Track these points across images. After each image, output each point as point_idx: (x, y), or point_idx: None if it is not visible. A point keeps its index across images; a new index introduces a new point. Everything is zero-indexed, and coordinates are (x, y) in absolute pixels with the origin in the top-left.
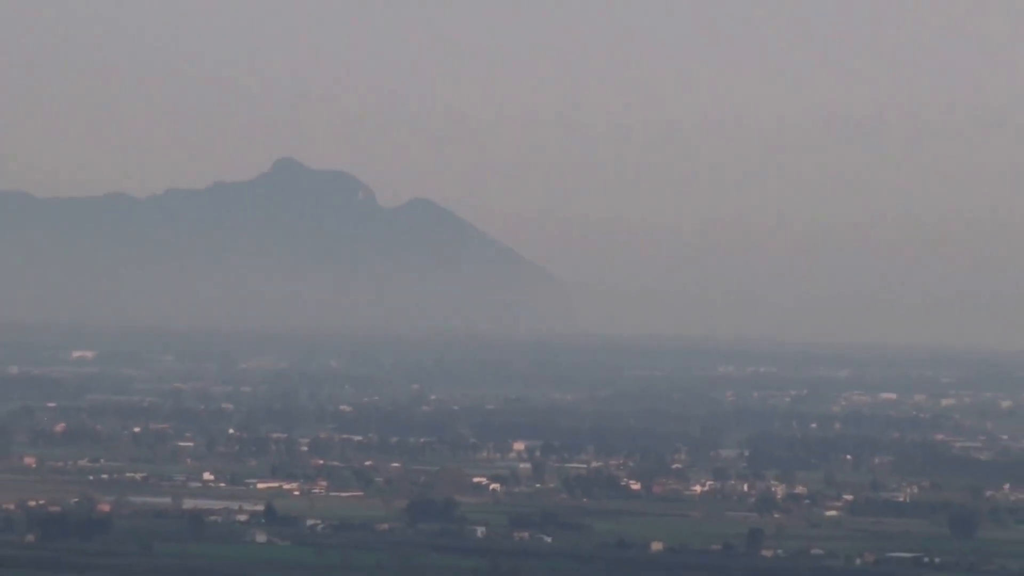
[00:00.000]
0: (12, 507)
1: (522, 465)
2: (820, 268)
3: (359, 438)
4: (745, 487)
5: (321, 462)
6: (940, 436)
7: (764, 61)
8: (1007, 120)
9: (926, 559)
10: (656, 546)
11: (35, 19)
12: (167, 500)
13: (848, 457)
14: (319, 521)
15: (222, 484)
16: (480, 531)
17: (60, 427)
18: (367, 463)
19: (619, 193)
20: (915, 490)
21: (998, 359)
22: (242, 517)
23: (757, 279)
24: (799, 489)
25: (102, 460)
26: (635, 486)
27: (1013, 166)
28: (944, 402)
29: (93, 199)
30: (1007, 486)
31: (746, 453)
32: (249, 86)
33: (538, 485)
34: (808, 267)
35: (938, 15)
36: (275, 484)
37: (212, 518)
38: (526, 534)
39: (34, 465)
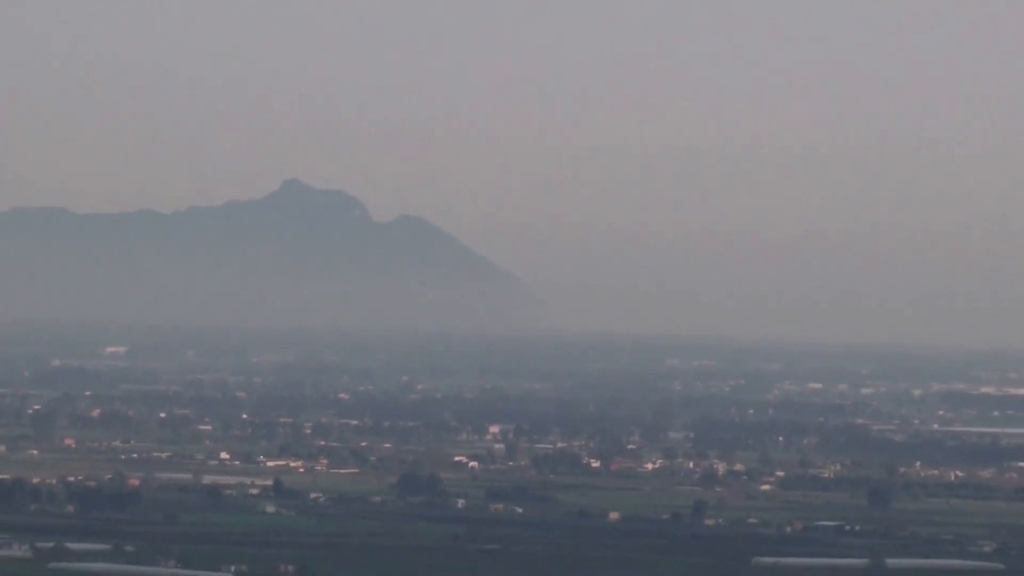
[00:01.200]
0: (54, 482)
1: (497, 446)
2: (755, 273)
3: (355, 422)
4: (690, 465)
5: (322, 443)
6: (860, 420)
7: (709, 81)
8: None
9: (847, 527)
10: (613, 515)
11: (72, 52)
12: (189, 476)
13: (780, 439)
14: (321, 494)
15: (236, 462)
16: (460, 503)
17: (96, 412)
18: (362, 444)
19: (582, 205)
20: (838, 467)
21: (910, 354)
22: (254, 491)
23: (701, 283)
24: (738, 466)
25: (132, 441)
26: (595, 464)
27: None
28: (863, 391)
29: (125, 214)
30: (918, 464)
31: (691, 435)
32: (259, 116)
33: (511, 463)
34: (745, 272)
35: (925, 33)
36: (282, 462)
37: (228, 492)
38: (500, 505)
39: (73, 445)
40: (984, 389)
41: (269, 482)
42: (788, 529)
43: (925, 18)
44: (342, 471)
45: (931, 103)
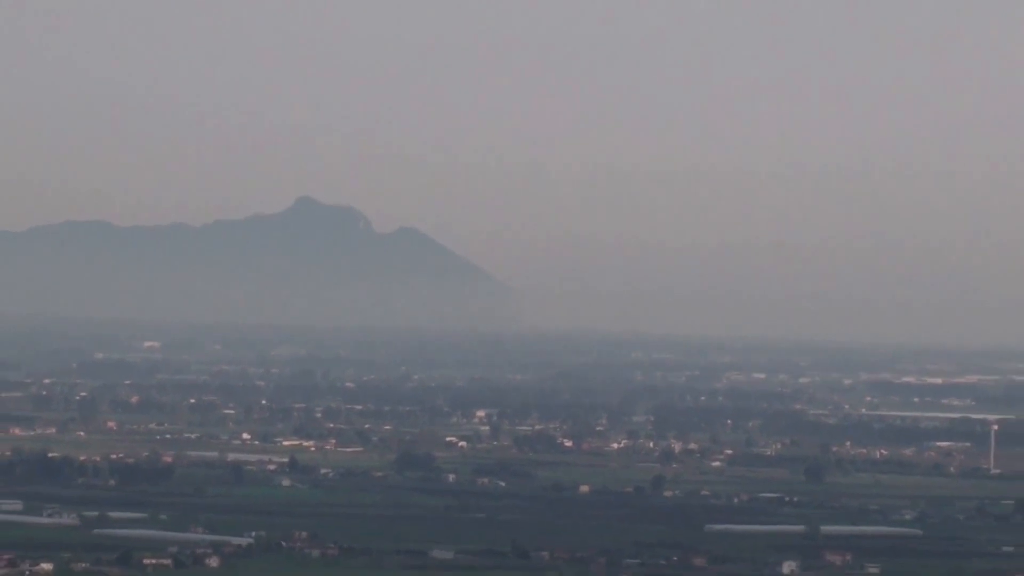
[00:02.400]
0: (98, 459)
1: (483, 428)
2: (709, 277)
3: (360, 407)
4: (651, 444)
5: (331, 425)
6: (798, 406)
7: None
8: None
9: (787, 499)
10: (584, 488)
11: (114, 82)
12: (215, 454)
13: (728, 422)
14: (330, 470)
15: (256, 442)
16: (451, 477)
17: (134, 399)
18: (366, 426)
19: (558, 218)
20: (778, 446)
21: (843, 347)
22: (271, 467)
23: (661, 285)
24: (692, 446)
25: (166, 424)
26: (568, 443)
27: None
28: (801, 380)
29: (160, 227)
30: (848, 443)
31: (652, 419)
32: (276, 141)
33: (495, 443)
34: (699, 276)
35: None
36: (296, 442)
37: (249, 467)
38: (486, 480)
39: (115, 428)
40: (906, 379)
41: (285, 459)
42: (736, 500)
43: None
44: (348, 449)
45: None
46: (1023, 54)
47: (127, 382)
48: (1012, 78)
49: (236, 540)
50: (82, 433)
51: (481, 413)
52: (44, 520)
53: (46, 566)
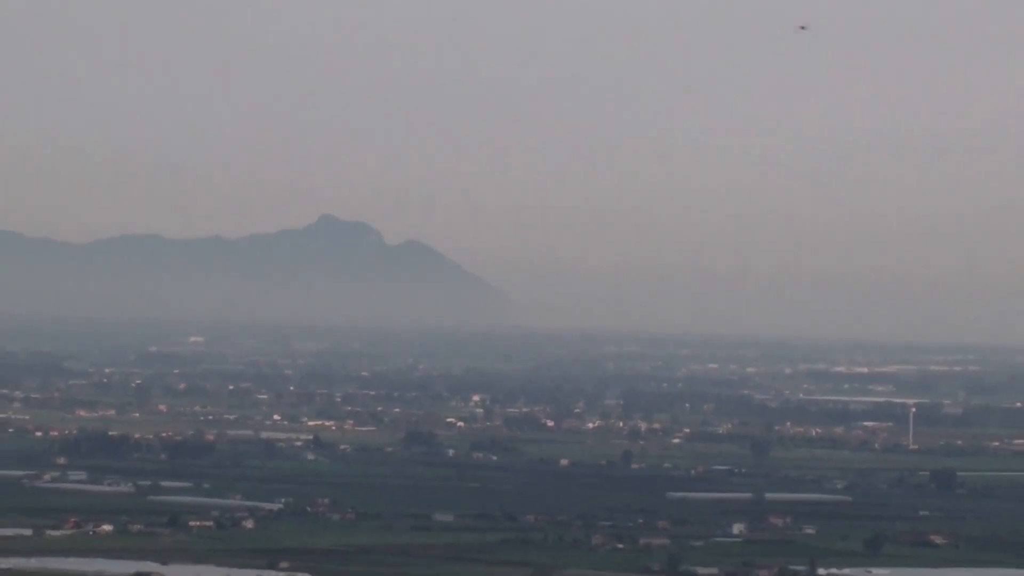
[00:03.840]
0: (151, 437)
1: (478, 410)
2: (666, 279)
3: (373, 393)
4: (621, 424)
5: (349, 408)
6: (745, 391)
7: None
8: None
9: (736, 470)
10: (564, 462)
11: (166, 115)
12: (250, 432)
13: (687, 405)
14: (347, 446)
15: (285, 422)
16: (451, 452)
17: (182, 386)
18: (378, 409)
19: (545, 230)
20: (729, 426)
21: (784, 342)
22: (298, 443)
23: (629, 289)
24: (656, 425)
25: (208, 407)
26: (550, 424)
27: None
28: (748, 369)
29: (202, 239)
30: (788, 423)
31: (621, 403)
32: (301, 166)
33: (488, 423)
34: (659, 279)
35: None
36: (319, 422)
37: (279, 444)
38: (481, 454)
39: (165, 410)
40: (837, 368)
41: (309, 437)
42: (693, 471)
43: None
44: (363, 429)
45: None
46: None
47: (175, 371)
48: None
49: (268, 505)
50: (137, 415)
51: (476, 398)
52: (105, 488)
53: (106, 527)
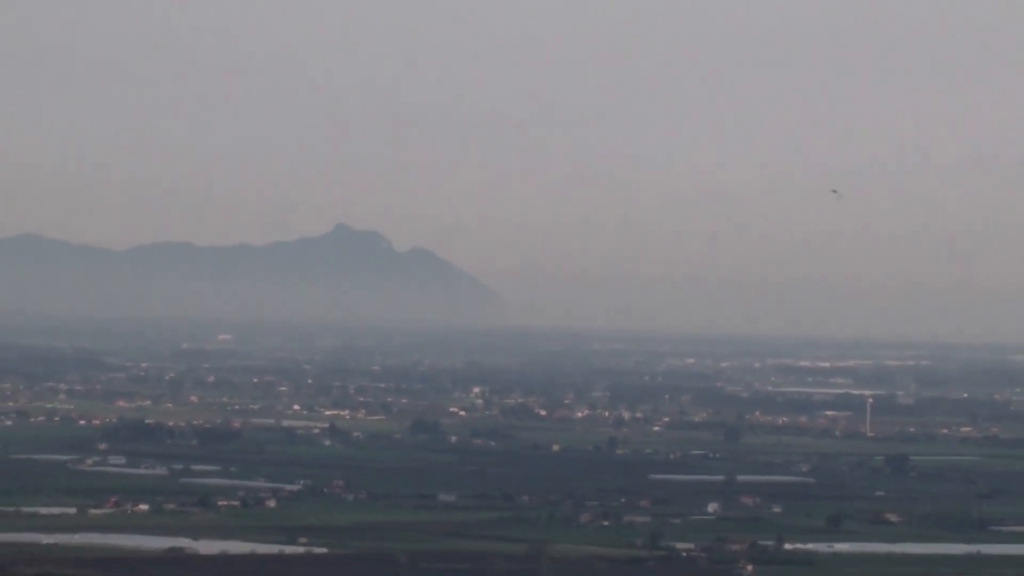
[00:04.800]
0: (183, 425)
1: (477, 401)
2: (648, 279)
3: (383, 385)
4: (606, 413)
5: (361, 399)
6: (719, 384)
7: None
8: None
9: (710, 455)
10: (555, 447)
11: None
12: (272, 421)
13: (667, 396)
14: (360, 433)
15: (304, 411)
16: (453, 439)
17: (211, 379)
18: (388, 399)
19: (536, 239)
20: (704, 415)
21: (754, 339)
22: (316, 431)
23: (616, 291)
24: (638, 414)
25: (235, 398)
26: (543, 413)
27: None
28: (722, 364)
29: (229, 247)
30: (757, 412)
31: (607, 394)
32: (319, 179)
33: (487, 412)
34: (642, 278)
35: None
36: (335, 412)
37: (299, 431)
38: (480, 440)
39: (196, 401)
40: (802, 363)
41: (326, 425)
42: (672, 456)
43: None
44: (374, 418)
45: None
46: None
47: (205, 366)
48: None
49: (289, 487)
50: (171, 405)
51: (476, 390)
52: (141, 471)
53: (143, 506)
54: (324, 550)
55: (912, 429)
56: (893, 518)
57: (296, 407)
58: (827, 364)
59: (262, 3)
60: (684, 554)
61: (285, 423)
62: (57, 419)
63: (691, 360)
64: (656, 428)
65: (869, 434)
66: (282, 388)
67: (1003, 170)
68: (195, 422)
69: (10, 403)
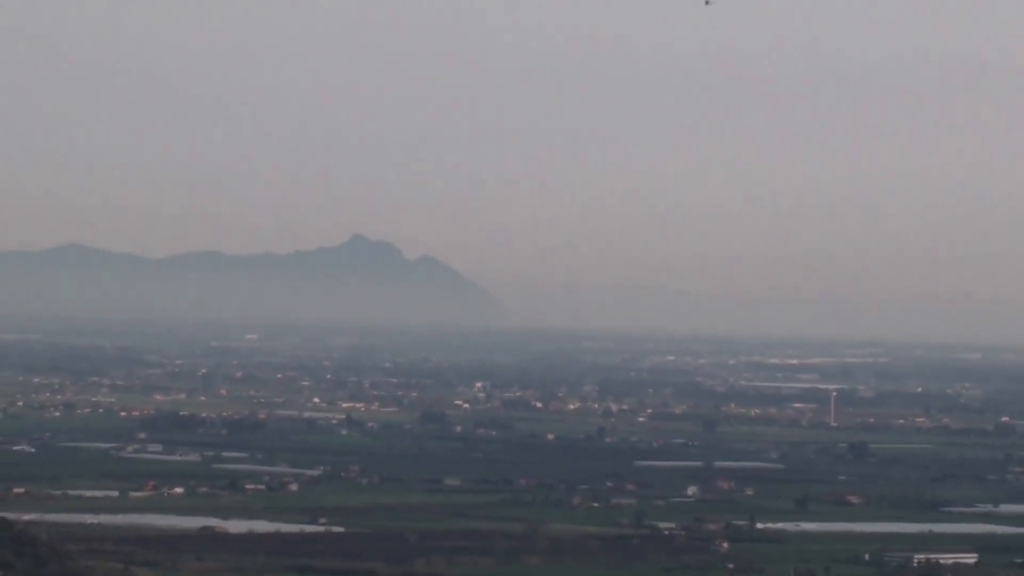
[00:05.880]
0: (214, 416)
1: (480, 394)
2: (634, 285)
3: (395, 380)
4: (596, 406)
5: (375, 393)
6: (698, 378)
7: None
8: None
9: (690, 443)
10: (549, 436)
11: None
12: (295, 412)
13: (650, 390)
14: (374, 424)
15: (323, 404)
16: (458, 428)
17: (239, 374)
18: (399, 393)
19: (535, 247)
20: (684, 407)
21: (728, 338)
22: (334, 421)
23: (604, 295)
24: (625, 406)
25: (261, 392)
26: (539, 405)
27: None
28: (700, 361)
29: (255, 255)
30: (732, 405)
31: (597, 388)
32: (337, 191)
33: (488, 405)
34: (629, 284)
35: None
36: (351, 404)
37: (318, 422)
38: (482, 430)
39: (225, 394)
40: (772, 360)
41: (343, 416)
42: (655, 444)
43: None
44: (386, 409)
45: None
46: None
47: (234, 363)
48: None
49: (309, 472)
50: (203, 398)
51: (478, 384)
52: (176, 458)
53: (178, 489)
54: (341, 529)
55: (871, 420)
56: (854, 500)
57: (316, 400)
58: (795, 361)
59: (288, 25)
60: (666, 532)
61: (306, 414)
62: (101, 411)
63: (672, 358)
64: (640, 419)
65: (833, 424)
66: (303, 383)
67: (938, 186)
68: (225, 413)
69: (58, 397)
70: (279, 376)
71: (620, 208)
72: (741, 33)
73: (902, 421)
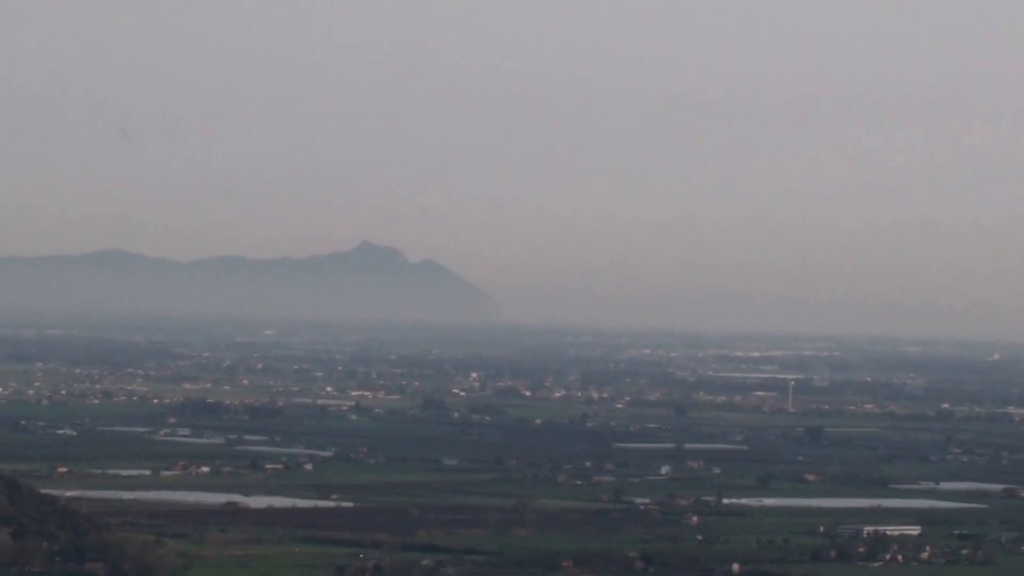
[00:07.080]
0: (237, 403)
1: (475, 383)
2: (614, 283)
3: (399, 371)
4: (579, 393)
5: (382, 382)
6: (670, 369)
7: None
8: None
9: (663, 427)
10: (537, 421)
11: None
12: (309, 400)
13: (627, 380)
14: (380, 410)
15: (335, 393)
16: (455, 414)
17: (259, 366)
18: (403, 383)
19: (528, 251)
20: (658, 395)
21: (698, 333)
22: (344, 408)
23: (586, 295)
24: (604, 394)
25: (279, 382)
26: (528, 393)
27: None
28: (672, 354)
29: (274, 259)
30: (701, 393)
31: (579, 378)
32: (347, 200)
33: (483, 393)
34: (610, 282)
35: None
36: (360, 392)
37: (331, 409)
38: (477, 416)
39: (247, 384)
40: (736, 353)
41: (353, 403)
42: (632, 428)
43: None
44: (392, 397)
45: None
46: None
47: (255, 355)
48: None
49: (323, 453)
50: (227, 387)
51: (474, 375)
52: (203, 440)
53: (205, 469)
54: (351, 504)
55: (826, 406)
56: (811, 478)
57: (329, 389)
58: (757, 354)
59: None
60: (641, 507)
61: (319, 402)
62: (135, 399)
63: (647, 350)
64: (619, 405)
65: (791, 410)
66: (317, 374)
67: (882, 196)
68: (247, 401)
69: (97, 386)
70: (295, 368)
71: (600, 219)
72: (730, 57)
73: (853, 407)
